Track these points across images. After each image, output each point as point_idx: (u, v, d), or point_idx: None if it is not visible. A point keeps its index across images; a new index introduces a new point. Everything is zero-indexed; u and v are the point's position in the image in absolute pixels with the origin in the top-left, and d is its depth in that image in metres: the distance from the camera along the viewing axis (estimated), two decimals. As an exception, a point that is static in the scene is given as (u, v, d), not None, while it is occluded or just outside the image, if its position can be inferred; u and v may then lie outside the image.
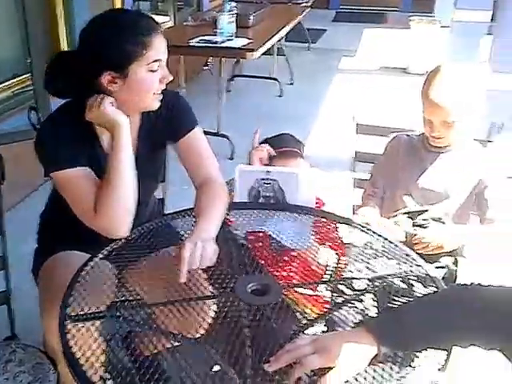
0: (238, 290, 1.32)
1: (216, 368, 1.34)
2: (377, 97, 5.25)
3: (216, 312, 1.35)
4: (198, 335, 1.37)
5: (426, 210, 1.78)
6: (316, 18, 8.34)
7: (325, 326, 1.30)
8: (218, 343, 1.25)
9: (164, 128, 1.67)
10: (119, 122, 1.47)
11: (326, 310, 1.41)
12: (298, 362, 1.06)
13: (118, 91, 1.49)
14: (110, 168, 1.48)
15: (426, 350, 1.15)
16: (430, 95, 1.70)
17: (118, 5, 4.35)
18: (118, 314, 1.29)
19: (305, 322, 1.34)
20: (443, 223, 1.78)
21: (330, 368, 1.05)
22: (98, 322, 1.28)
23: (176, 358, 1.34)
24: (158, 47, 1.49)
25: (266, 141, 1.85)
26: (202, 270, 1.38)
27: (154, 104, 1.56)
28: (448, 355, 1.14)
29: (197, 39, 3.92)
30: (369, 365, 1.08)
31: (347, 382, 1.06)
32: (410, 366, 1.11)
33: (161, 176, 1.93)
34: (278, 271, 1.51)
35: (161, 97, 1.56)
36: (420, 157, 1.85)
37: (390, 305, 1.32)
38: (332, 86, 5.82)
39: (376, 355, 1.08)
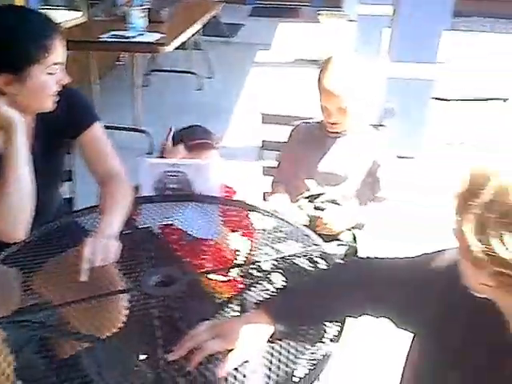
0: (143, 284, 1.33)
1: (133, 363, 1.34)
2: (289, 88, 5.36)
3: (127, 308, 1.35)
4: (110, 333, 1.35)
5: (324, 193, 1.86)
6: (233, 13, 8.38)
7: (238, 306, 1.34)
8: (131, 338, 1.25)
9: (62, 126, 1.63)
10: (14, 120, 1.43)
11: (237, 291, 1.44)
12: (199, 348, 1.08)
13: (14, 92, 1.45)
14: (4, 168, 1.44)
15: (320, 323, 1.21)
16: (324, 83, 1.79)
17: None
18: (24, 319, 1.25)
19: (218, 305, 1.37)
20: (338, 204, 1.87)
21: (231, 350, 1.08)
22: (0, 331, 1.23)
23: (94, 357, 1.33)
24: (59, 50, 1.47)
25: (178, 133, 1.87)
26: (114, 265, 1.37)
27: (50, 105, 1.53)
28: (341, 326, 1.19)
29: (108, 34, 3.86)
30: (268, 343, 1.12)
31: (247, 361, 1.10)
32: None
33: (63, 175, 1.89)
34: (192, 261, 1.53)
35: (57, 98, 1.54)
36: (320, 142, 1.93)
37: (285, 284, 1.37)
38: (249, 78, 5.88)
39: (273, 333, 1.12)
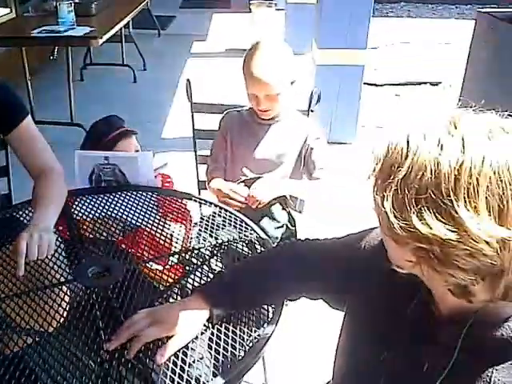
0: (80, 275, 1.33)
1: (77, 356, 1.32)
2: (221, 77, 5.41)
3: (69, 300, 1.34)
4: (51, 328, 1.30)
5: (260, 177, 1.89)
6: (164, 5, 8.33)
7: (178, 292, 1.35)
8: (74, 331, 1.23)
9: None
10: None
11: (177, 277, 1.45)
12: (137, 336, 1.07)
13: None
14: None
15: (257, 306, 1.22)
16: (252, 71, 1.79)
17: None
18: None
19: (158, 293, 1.37)
20: None
21: (169, 337, 1.08)
22: None
23: (38, 351, 1.29)
24: None
25: (95, 125, 1.88)
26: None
27: None
28: (277, 309, 1.22)
29: (38, 30, 3.79)
30: (204, 328, 1.12)
31: (193, 349, 1.10)
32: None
33: None
34: (132, 249, 1.53)
35: None
36: (252, 130, 1.95)
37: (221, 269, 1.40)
38: (185, 69, 5.88)
39: (210, 318, 1.12)
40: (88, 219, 1.63)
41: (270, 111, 1.88)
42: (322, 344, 2.02)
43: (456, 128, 0.76)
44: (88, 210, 1.66)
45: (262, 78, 1.78)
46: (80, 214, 1.64)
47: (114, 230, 1.61)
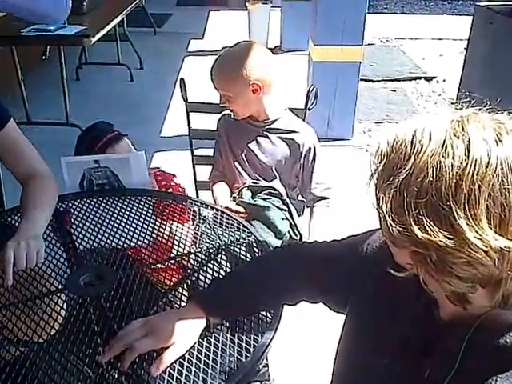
0: (72, 284, 1.29)
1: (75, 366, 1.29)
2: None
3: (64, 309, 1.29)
4: (41, 339, 1.25)
5: (267, 186, 1.86)
6: (160, 3, 8.28)
7: (173, 298, 1.32)
8: (65, 343, 1.19)
9: None
10: None
11: (179, 278, 1.42)
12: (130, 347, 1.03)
13: None
14: None
15: (256, 312, 1.19)
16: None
17: None
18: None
19: (155, 299, 1.33)
20: (281, 198, 1.86)
21: (165, 348, 1.04)
22: None
23: (30, 362, 1.24)
24: None
25: (85, 132, 1.84)
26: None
27: None
28: (277, 314, 1.19)
29: (29, 29, 3.74)
30: (201, 336, 1.09)
31: (182, 357, 1.06)
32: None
33: None
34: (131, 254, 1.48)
35: None
36: (247, 133, 1.92)
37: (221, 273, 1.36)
38: (182, 68, 5.84)
39: (207, 326, 1.09)
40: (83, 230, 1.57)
41: (235, 111, 1.87)
42: (322, 347, 2.01)
43: (463, 130, 0.73)
44: (81, 215, 1.61)
45: (213, 78, 1.81)
46: (72, 220, 1.58)
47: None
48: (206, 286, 1.26)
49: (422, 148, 0.73)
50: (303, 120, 1.99)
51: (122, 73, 5.48)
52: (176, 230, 1.57)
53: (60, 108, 4.11)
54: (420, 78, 5.80)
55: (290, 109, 1.98)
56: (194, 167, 2.23)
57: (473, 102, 0.79)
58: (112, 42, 5.39)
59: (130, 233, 1.53)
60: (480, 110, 0.77)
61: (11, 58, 4.04)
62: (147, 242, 1.51)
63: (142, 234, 1.53)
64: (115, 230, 1.53)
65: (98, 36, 3.73)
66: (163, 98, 4.85)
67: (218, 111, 2.01)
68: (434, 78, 5.79)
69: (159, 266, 1.45)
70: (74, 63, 5.35)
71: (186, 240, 1.54)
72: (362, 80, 4.23)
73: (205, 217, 1.76)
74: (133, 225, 1.56)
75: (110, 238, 1.50)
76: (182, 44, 6.77)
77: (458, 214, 0.70)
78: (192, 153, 2.21)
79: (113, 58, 5.67)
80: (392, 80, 5.70)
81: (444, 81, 5.67)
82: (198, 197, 2.16)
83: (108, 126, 1.83)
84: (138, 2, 5.04)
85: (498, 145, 0.71)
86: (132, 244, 1.49)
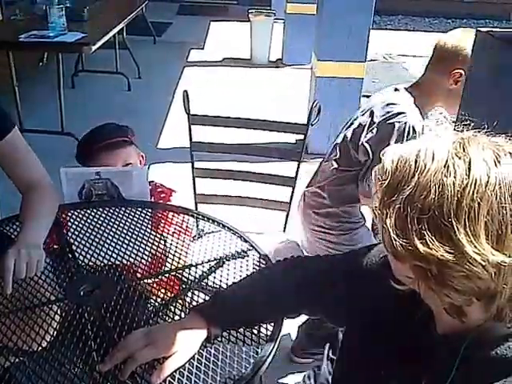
0: (71, 293, 1.29)
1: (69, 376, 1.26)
2: (217, 87, 5.34)
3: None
4: (42, 346, 1.26)
5: None
6: (160, 11, 8.28)
7: (174, 309, 1.31)
8: (63, 352, 1.19)
9: None
10: None
11: (176, 291, 1.42)
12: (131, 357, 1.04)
13: None
14: None
15: (256, 324, 1.20)
16: None
17: None
18: None
19: (154, 310, 1.36)
20: None
21: (166, 358, 1.05)
22: None
23: (25, 371, 1.25)
24: None
25: (90, 133, 1.80)
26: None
27: None
28: (278, 326, 1.19)
29: (27, 34, 3.68)
30: (201, 347, 1.09)
31: (183, 367, 1.06)
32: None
33: None
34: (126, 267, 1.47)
35: None
36: None
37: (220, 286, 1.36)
38: (181, 78, 5.80)
39: (208, 337, 1.09)
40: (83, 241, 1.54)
41: None
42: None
43: (464, 150, 0.77)
44: (81, 226, 1.58)
45: None
46: (72, 230, 1.56)
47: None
48: (207, 298, 1.26)
49: (425, 167, 0.76)
50: (305, 136, 1.94)
51: (120, 82, 5.43)
52: (177, 243, 1.55)
53: (55, 116, 4.04)
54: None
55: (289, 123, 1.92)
56: (194, 180, 2.20)
57: (472, 124, 0.83)
58: (110, 49, 5.35)
59: (129, 248, 1.51)
60: (479, 132, 0.82)
61: (7, 63, 3.96)
62: (146, 258, 1.49)
63: (140, 249, 1.51)
64: (113, 245, 1.51)
65: (98, 44, 3.70)
66: (161, 109, 4.81)
67: (220, 124, 1.98)
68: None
69: (159, 278, 1.46)
70: (69, 70, 5.28)
71: (186, 253, 1.53)
72: (363, 96, 4.19)
73: (203, 229, 1.73)
74: (131, 240, 1.54)
75: (108, 253, 1.48)
76: (182, 54, 6.74)
77: (458, 229, 0.74)
78: (193, 165, 2.17)
79: (110, 66, 5.62)
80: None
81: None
82: (197, 209, 2.11)
83: (118, 131, 1.80)
84: (139, 10, 5.01)
85: (496, 165, 0.75)
86: (131, 260, 1.48)
